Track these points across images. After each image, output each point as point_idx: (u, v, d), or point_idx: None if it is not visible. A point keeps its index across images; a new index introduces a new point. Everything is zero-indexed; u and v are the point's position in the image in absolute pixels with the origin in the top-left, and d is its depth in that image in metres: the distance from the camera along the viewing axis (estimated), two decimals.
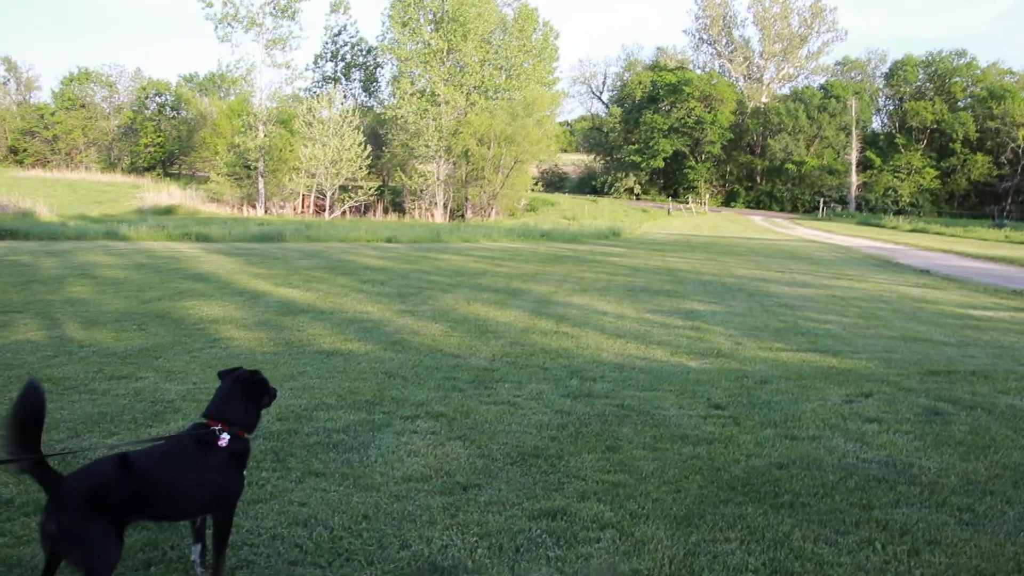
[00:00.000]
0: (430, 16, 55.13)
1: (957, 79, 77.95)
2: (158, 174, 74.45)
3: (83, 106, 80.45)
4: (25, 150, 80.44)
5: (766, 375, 8.03)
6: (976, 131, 73.83)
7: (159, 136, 79.13)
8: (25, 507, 4.20)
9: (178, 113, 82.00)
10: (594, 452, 5.42)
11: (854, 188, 78.32)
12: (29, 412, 2.91)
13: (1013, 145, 72.05)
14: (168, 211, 46.61)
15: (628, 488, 4.76)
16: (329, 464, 5.02)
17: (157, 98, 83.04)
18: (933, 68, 79.50)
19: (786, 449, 5.61)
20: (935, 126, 76.30)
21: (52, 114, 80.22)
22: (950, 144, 75.48)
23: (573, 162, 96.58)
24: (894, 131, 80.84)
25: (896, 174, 76.94)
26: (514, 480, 4.86)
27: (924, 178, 76.20)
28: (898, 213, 68.69)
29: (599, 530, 4.18)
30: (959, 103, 77.21)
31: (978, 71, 78.23)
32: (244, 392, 3.67)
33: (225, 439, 3.45)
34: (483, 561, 3.83)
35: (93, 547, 2.90)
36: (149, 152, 78.94)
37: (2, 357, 7.70)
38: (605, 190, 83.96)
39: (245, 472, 3.64)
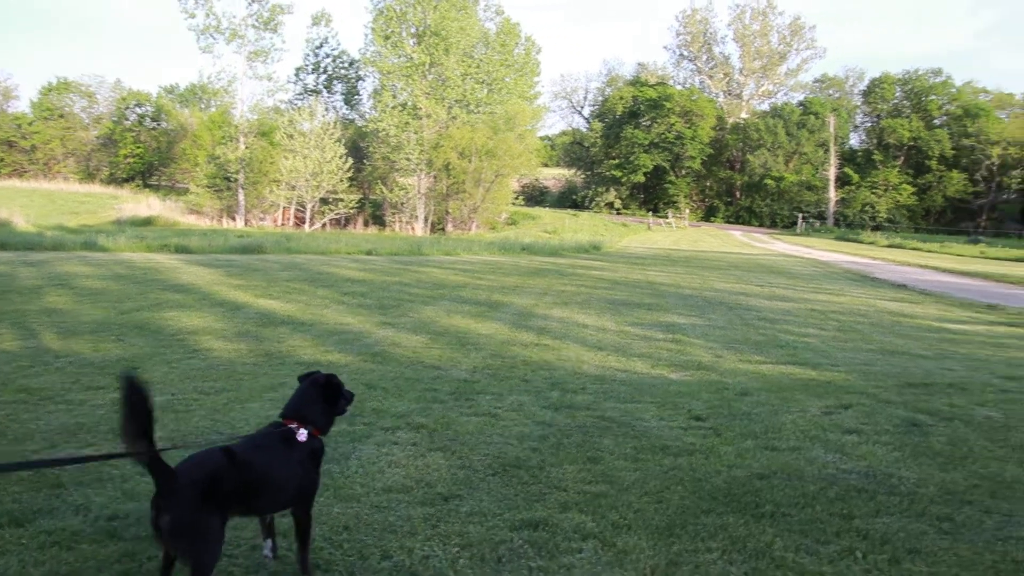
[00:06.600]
0: (412, 30, 55.16)
1: (933, 97, 78.74)
2: (137, 185, 73.86)
3: (62, 116, 79.81)
4: (2, 160, 79.61)
5: (746, 387, 8.06)
6: (951, 148, 74.60)
7: (138, 147, 78.55)
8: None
9: (158, 124, 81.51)
10: (575, 463, 5.41)
11: (832, 204, 78.89)
12: (137, 404, 2.92)
13: (987, 163, 72.94)
14: (147, 222, 46.16)
15: (610, 499, 4.76)
16: None
17: (137, 109, 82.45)
18: (910, 86, 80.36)
19: (767, 460, 5.62)
20: (912, 143, 77.05)
21: (30, 124, 79.49)
22: (926, 161, 76.25)
23: (554, 176, 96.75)
24: (872, 148, 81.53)
25: (874, 190, 77.61)
26: (495, 491, 4.84)
27: (901, 194, 76.87)
28: (876, 229, 69.35)
29: (581, 540, 4.17)
30: (935, 121, 77.97)
31: (953, 89, 79.00)
32: (320, 394, 3.83)
33: (303, 434, 3.60)
34: (465, 572, 3.81)
35: (205, 540, 2.98)
36: (128, 163, 78.32)
37: None
38: (586, 204, 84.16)
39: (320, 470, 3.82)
